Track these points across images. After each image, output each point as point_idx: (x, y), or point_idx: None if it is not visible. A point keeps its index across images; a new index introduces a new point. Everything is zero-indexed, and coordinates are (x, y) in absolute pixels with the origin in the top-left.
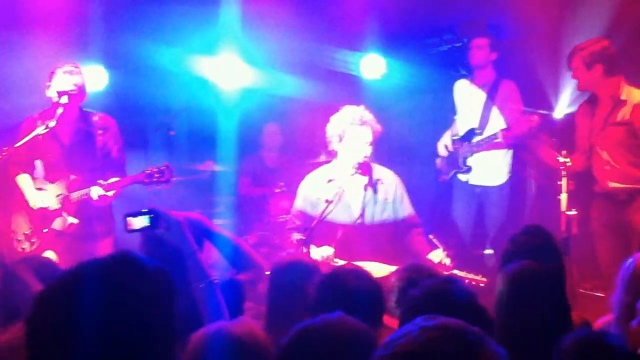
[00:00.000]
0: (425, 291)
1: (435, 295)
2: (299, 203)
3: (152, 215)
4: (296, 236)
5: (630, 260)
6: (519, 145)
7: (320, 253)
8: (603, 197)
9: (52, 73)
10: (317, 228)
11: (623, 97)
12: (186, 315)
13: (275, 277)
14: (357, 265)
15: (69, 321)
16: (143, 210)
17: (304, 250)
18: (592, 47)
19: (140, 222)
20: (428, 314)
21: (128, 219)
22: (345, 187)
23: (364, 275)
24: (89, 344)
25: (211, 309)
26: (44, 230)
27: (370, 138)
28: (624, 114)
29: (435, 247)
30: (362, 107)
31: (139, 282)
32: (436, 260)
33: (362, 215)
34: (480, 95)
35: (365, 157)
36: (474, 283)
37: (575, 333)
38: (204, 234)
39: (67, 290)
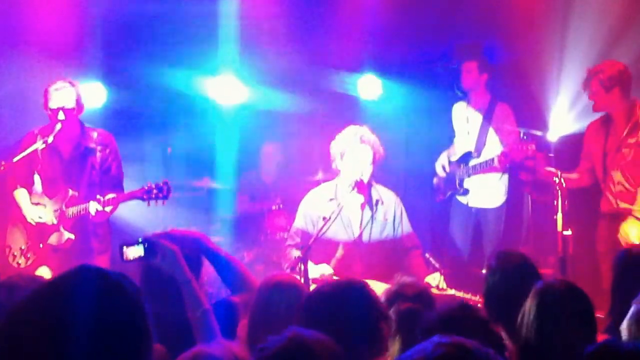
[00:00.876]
0: (441, 315)
1: (451, 318)
2: (300, 220)
3: (146, 245)
4: (294, 253)
5: None
6: (515, 168)
7: (319, 271)
8: (610, 217)
9: (46, 92)
10: (316, 245)
11: None
12: (182, 343)
13: (262, 294)
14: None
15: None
16: (138, 240)
17: (302, 267)
18: (610, 71)
19: (135, 251)
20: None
21: (123, 249)
22: (345, 205)
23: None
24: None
25: (206, 338)
26: (40, 246)
27: (370, 157)
28: None
29: (433, 269)
30: (365, 127)
31: (103, 289)
32: (434, 284)
33: (361, 234)
34: (477, 118)
35: (363, 175)
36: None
37: (604, 341)
38: (203, 252)
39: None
